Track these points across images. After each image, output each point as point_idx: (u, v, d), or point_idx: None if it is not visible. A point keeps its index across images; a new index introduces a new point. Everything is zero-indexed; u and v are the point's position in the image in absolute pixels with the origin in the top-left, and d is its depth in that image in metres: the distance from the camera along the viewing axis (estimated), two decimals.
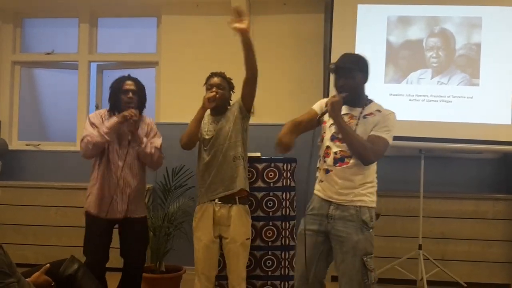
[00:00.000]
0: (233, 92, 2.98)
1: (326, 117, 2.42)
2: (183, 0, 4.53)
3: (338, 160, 2.34)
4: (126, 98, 2.92)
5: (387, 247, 4.06)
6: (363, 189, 2.35)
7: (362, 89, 2.44)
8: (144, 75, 4.94)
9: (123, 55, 4.88)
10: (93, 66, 4.94)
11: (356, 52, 3.92)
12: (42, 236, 4.32)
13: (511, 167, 4.35)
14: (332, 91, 3.55)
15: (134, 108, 2.89)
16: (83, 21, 4.84)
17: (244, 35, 2.58)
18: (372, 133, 2.33)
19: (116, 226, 2.98)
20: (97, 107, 4.82)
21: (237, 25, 2.50)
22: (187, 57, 4.54)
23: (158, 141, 3.00)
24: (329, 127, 2.41)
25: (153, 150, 2.93)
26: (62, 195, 4.32)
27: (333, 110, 2.30)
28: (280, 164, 3.39)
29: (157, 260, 3.60)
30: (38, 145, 4.84)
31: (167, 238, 3.58)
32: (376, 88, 3.96)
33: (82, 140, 2.87)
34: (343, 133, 2.31)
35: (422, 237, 3.87)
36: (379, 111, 2.41)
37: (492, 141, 3.83)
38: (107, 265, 2.93)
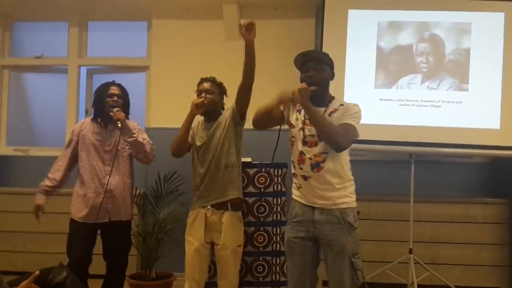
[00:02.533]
0: (226, 96, 2.97)
1: (294, 120, 2.42)
2: (174, 4, 4.52)
3: (315, 166, 2.34)
4: (111, 101, 2.97)
5: (377, 252, 4.07)
6: (344, 190, 2.37)
7: (327, 85, 2.44)
8: (134, 80, 4.96)
9: (113, 59, 4.85)
10: (83, 70, 4.91)
11: (347, 58, 4.00)
12: (31, 243, 4.28)
13: (500, 171, 4.38)
14: None
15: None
16: (73, 25, 4.81)
17: (249, 43, 2.57)
18: (340, 122, 2.34)
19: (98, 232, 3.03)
20: (86, 112, 4.79)
21: (244, 32, 2.49)
22: (178, 61, 4.53)
23: (144, 135, 3.06)
24: (298, 131, 2.40)
25: (144, 141, 2.99)
26: (51, 201, 4.19)
27: (301, 96, 2.28)
28: (271, 169, 3.38)
29: (148, 267, 3.57)
30: (27, 150, 4.79)
31: (158, 244, 3.56)
32: (366, 93, 4.00)
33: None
34: (314, 119, 2.30)
35: (413, 241, 3.88)
36: (342, 105, 2.42)
37: (481, 145, 3.85)
38: (90, 272, 2.98)
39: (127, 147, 3.03)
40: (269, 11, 4.52)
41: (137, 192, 3.70)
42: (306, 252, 2.38)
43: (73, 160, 3.06)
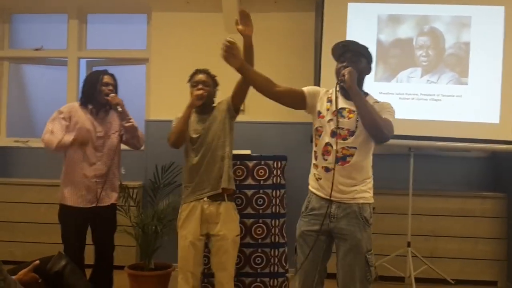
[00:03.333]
0: (217, 89, 2.97)
1: (324, 111, 2.36)
2: None
3: (340, 159, 2.27)
4: (107, 90, 2.99)
5: (376, 245, 3.96)
6: (363, 185, 2.32)
7: (363, 79, 2.39)
8: (134, 72, 4.96)
9: (113, 51, 4.84)
10: (83, 62, 4.90)
11: None
12: (31, 233, 4.29)
13: (499, 165, 4.39)
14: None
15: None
16: (72, 17, 4.79)
17: (248, 39, 2.55)
18: None
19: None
20: None
21: (241, 28, 2.45)
22: (177, 54, 4.52)
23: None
24: (328, 122, 2.32)
25: (136, 124, 3.07)
26: (51, 192, 4.25)
27: (351, 79, 2.23)
28: (271, 162, 3.39)
29: (147, 258, 3.58)
30: (27, 141, 4.80)
31: (156, 235, 3.57)
32: (366, 86, 3.96)
33: (44, 135, 2.95)
34: (363, 105, 2.22)
35: (411, 235, 3.90)
36: (376, 102, 2.38)
37: (480, 139, 3.86)
38: None
39: (117, 133, 3.07)
40: (269, 4, 4.51)
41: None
42: (319, 246, 2.33)
43: None
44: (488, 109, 3.88)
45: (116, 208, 3.15)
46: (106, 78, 3.02)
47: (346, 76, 2.24)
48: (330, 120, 2.33)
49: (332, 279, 2.44)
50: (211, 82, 2.92)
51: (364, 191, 2.32)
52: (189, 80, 2.94)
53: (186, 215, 2.83)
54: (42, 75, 5.22)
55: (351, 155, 2.29)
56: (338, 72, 2.34)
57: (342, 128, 2.30)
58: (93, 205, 2.97)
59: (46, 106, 5.11)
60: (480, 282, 4.08)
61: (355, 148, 2.29)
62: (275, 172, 3.38)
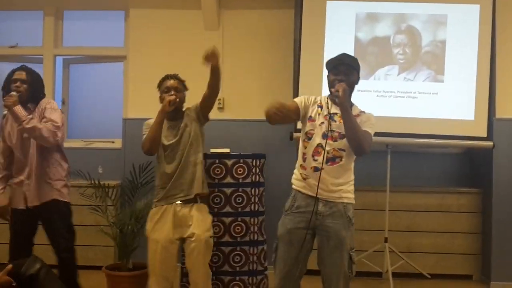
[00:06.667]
0: (186, 90, 2.99)
1: (315, 115, 2.49)
2: None
3: (330, 160, 2.42)
4: (14, 87, 2.89)
5: (354, 240, 4.12)
6: (348, 186, 2.49)
7: (353, 90, 2.54)
8: (112, 70, 4.90)
9: (90, 49, 4.77)
10: (59, 60, 4.82)
11: (325, 49, 4.01)
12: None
13: (474, 161, 4.47)
14: (305, 87, 3.64)
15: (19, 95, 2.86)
16: (48, 14, 4.70)
17: (214, 66, 2.68)
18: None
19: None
20: (63, 103, 4.72)
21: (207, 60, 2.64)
22: (155, 51, 4.48)
23: (52, 115, 2.91)
24: (319, 125, 2.46)
25: (32, 125, 2.80)
26: None
27: (344, 95, 2.37)
28: (249, 160, 3.39)
29: (124, 258, 3.56)
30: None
31: (134, 235, 3.54)
32: None
33: None
34: (350, 121, 2.37)
35: (388, 230, 3.95)
36: (363, 112, 2.55)
37: (456, 136, 3.92)
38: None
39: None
40: (248, 1, 4.49)
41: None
42: (305, 244, 2.45)
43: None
44: (463, 106, 3.94)
45: (55, 206, 2.95)
46: (16, 75, 2.91)
47: (341, 93, 2.37)
48: (322, 123, 2.47)
49: (311, 275, 2.48)
50: (182, 87, 2.92)
51: (348, 192, 2.49)
52: (159, 86, 2.93)
53: (158, 218, 2.83)
54: None
55: (340, 157, 2.43)
56: (331, 83, 2.48)
57: (334, 131, 2.44)
58: (24, 206, 2.91)
59: None
60: (456, 276, 4.17)
61: (344, 150, 2.44)
62: (254, 170, 3.38)
